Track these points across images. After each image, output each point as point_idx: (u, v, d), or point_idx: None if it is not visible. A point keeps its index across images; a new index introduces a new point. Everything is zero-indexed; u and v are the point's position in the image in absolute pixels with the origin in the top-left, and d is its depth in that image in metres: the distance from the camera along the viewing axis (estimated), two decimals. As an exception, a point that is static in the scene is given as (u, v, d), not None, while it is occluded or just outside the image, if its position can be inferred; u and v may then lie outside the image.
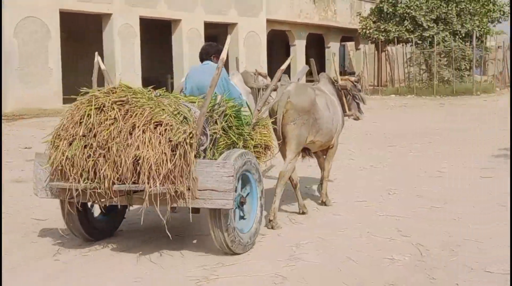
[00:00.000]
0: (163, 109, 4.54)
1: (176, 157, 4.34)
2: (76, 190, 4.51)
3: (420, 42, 24.73)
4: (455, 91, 23.56)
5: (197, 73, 5.78)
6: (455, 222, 5.76)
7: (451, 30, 24.39)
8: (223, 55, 4.80)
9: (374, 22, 25.55)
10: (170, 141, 4.37)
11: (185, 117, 4.61)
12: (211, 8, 20.49)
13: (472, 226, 5.57)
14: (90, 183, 4.49)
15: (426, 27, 24.15)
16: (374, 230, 5.50)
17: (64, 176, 4.59)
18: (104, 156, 4.45)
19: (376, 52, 27.72)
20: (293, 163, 5.84)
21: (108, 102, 4.54)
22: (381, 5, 25.25)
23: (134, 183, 4.41)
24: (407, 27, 24.37)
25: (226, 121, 5.00)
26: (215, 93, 4.91)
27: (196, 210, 4.80)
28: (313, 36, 28.50)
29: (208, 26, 20.84)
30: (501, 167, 8.86)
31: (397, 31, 24.48)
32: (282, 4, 24.94)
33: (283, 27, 25.71)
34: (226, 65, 5.88)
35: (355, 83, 7.17)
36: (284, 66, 5.72)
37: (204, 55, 6.00)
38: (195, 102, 5.05)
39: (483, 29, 24.96)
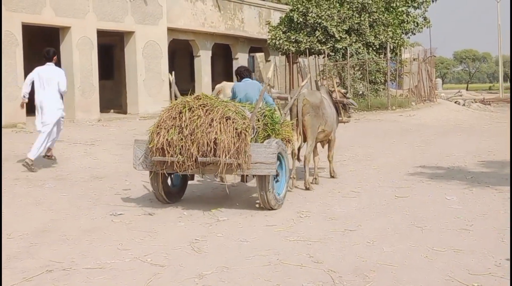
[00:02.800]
0: (229, 109, 7.37)
1: (240, 140, 7.14)
2: (171, 162, 7.36)
3: (332, 54, 25.37)
4: (370, 106, 24.32)
5: (243, 87, 8.84)
6: (369, 245, 5.91)
7: (364, 42, 25.19)
8: (269, 75, 8.19)
9: (284, 32, 25.94)
10: (236, 129, 7.18)
11: (242, 115, 7.37)
12: (104, 15, 20.14)
13: (386, 250, 5.73)
14: (180, 158, 7.27)
15: (339, 38, 24.80)
16: (284, 256, 5.55)
17: (162, 153, 7.38)
18: (191, 140, 7.24)
19: (287, 63, 28.16)
20: (311, 147, 9.15)
21: (195, 105, 7.45)
22: (291, 14, 25.66)
23: (213, 155, 7.16)
24: (319, 38, 24.92)
25: (265, 120, 7.86)
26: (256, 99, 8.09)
27: (244, 179, 7.85)
28: (219, 46, 28.66)
29: (102, 34, 20.47)
30: (416, 186, 9.23)
31: (309, 42, 24.97)
32: (185, 12, 24.95)
33: (186, 36, 25.70)
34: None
35: (345, 94, 10.64)
36: (304, 83, 9.52)
37: (244, 74, 9.08)
38: (245, 106, 7.79)
39: (397, 41, 25.96)
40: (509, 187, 8.86)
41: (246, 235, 6.34)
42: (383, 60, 25.24)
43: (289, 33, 25.66)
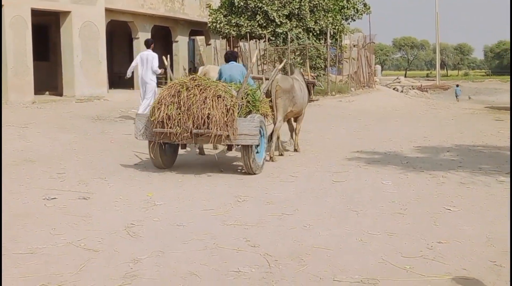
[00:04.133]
0: (220, 89, 8.70)
1: (228, 115, 8.53)
2: (170, 133, 8.72)
3: (273, 38, 25.43)
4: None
5: (227, 69, 10.08)
6: (305, 229, 5.98)
7: (304, 27, 25.34)
8: (254, 60, 10.28)
9: (224, 16, 25.84)
10: (226, 105, 8.56)
11: (230, 94, 8.73)
12: (39, -7, 19.59)
13: (322, 233, 5.81)
14: (178, 129, 8.64)
15: (279, 23, 24.85)
16: (221, 240, 5.56)
17: (162, 126, 8.73)
18: (188, 114, 8.59)
19: (228, 47, 28.07)
20: (280, 123, 10.47)
21: (192, 84, 8.78)
22: (232, -3, 25.58)
23: (206, 128, 8.57)
24: (260, 22, 24.92)
25: (247, 97, 9.20)
26: (240, 81, 9.60)
27: (230, 148, 9.71)
28: (159, 28, 28.32)
29: (37, 13, 19.91)
30: (353, 170, 9.38)
31: (249, 26, 24.95)
32: (124, -8, 24.54)
33: (125, 17, 25.28)
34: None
35: (314, 77, 13.00)
36: (280, 66, 10.86)
37: (230, 58, 10.34)
38: (231, 86, 9.05)
39: (337, 27, 26.21)
40: (441, 172, 9.11)
41: (183, 220, 6.32)
42: (323, 46, 25.44)
43: (230, 17, 25.58)
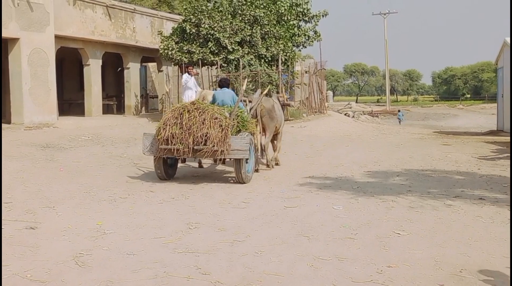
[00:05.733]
0: (216, 112, 10.38)
1: (223, 133, 10.17)
2: (174, 149, 10.28)
3: (225, 65, 25.53)
4: (262, 117, 24.59)
5: (220, 94, 11.75)
6: (257, 256, 5.97)
7: (256, 54, 25.51)
8: (243, 87, 12.78)
9: (176, 43, 25.83)
10: (221, 126, 10.21)
11: (225, 116, 10.37)
12: (-13, 20, 19.28)
13: (274, 260, 5.82)
14: (180, 146, 10.21)
15: (231, 49, 24.98)
16: (171, 269, 5.51)
17: (166, 143, 10.31)
18: (189, 133, 10.20)
19: (180, 74, 28.02)
20: (269, 138, 12.74)
21: (192, 108, 10.42)
22: (183, 25, 25.57)
23: (204, 144, 10.18)
24: (212, 49, 24.98)
25: (237, 118, 10.87)
26: (230, 106, 11.30)
27: (224, 161, 11.90)
28: (110, 55, 28.17)
29: (-16, 40, 19.59)
30: (305, 196, 9.44)
31: (201, 53, 24.98)
32: (74, 19, 24.34)
33: (75, 44, 25.07)
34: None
35: (287, 99, 15.22)
36: (265, 92, 12.88)
37: (223, 84, 12.05)
38: (224, 109, 10.78)
39: (288, 54, 26.47)
40: (391, 196, 9.24)
41: (133, 248, 6.24)
42: (275, 72, 25.65)
43: (181, 44, 25.56)
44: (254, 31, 25.14)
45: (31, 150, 14.84)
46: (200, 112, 10.36)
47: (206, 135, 10.18)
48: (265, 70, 25.52)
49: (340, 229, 7.13)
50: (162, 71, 30.63)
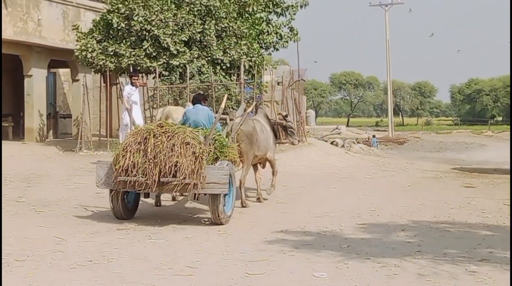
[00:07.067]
0: (188, 135, 11.22)
1: (196, 162, 11.00)
2: (134, 182, 11.12)
3: (166, 73, 25.33)
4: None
5: (193, 113, 13.12)
6: None
7: (210, 58, 25.29)
8: (222, 106, 12.86)
9: (99, 42, 25.51)
10: (194, 153, 11.08)
11: (198, 140, 11.24)
12: None
13: None
14: (142, 178, 11.06)
15: (175, 52, 24.67)
16: None
17: (126, 174, 11.10)
18: (154, 163, 11.09)
19: (103, 85, 27.80)
20: (246, 171, 13.72)
21: (159, 131, 11.32)
22: (109, 17, 25.13)
23: (173, 176, 11.11)
24: (148, 51, 24.66)
25: (215, 143, 11.81)
26: (205, 126, 12.52)
27: (196, 198, 11.92)
28: (6, 58, 27.77)
29: None
30: (275, 258, 9.43)
31: (133, 56, 24.64)
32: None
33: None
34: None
35: (285, 117, 15.80)
36: (249, 110, 14.68)
37: (196, 101, 13.48)
38: (199, 132, 11.67)
39: (254, 58, 26.29)
40: (394, 259, 9.29)
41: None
42: (235, 84, 25.62)
43: (106, 43, 25.33)
44: (206, 26, 25.10)
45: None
46: (168, 137, 11.26)
47: (175, 165, 11.06)
48: (221, 81, 25.49)
49: (323, 307, 7.13)
50: (78, 80, 30.27)
